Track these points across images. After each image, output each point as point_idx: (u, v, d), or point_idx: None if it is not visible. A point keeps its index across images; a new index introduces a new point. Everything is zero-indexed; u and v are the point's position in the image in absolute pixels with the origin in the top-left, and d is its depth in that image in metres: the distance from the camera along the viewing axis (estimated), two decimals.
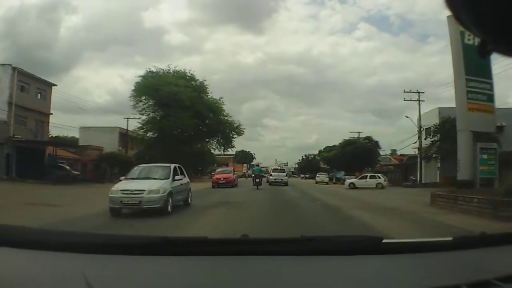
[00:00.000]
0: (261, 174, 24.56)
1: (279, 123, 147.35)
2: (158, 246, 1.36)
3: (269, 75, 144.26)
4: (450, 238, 1.59)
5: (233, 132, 41.72)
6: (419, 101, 32.95)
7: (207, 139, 42.05)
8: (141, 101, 35.04)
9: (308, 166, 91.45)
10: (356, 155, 43.23)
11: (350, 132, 47.46)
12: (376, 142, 45.21)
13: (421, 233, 7.09)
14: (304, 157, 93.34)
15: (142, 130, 35.56)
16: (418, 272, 1.34)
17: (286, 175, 28.49)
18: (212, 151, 46.67)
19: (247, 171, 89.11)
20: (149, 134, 36.37)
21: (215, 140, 43.51)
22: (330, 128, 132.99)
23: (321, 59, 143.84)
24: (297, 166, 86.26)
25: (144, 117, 35.57)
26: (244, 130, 42.54)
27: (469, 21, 0.68)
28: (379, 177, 26.29)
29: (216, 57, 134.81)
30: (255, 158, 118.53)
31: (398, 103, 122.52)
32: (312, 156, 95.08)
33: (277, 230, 7.97)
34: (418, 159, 31.82)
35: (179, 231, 7.55)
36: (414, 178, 30.00)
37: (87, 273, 1.12)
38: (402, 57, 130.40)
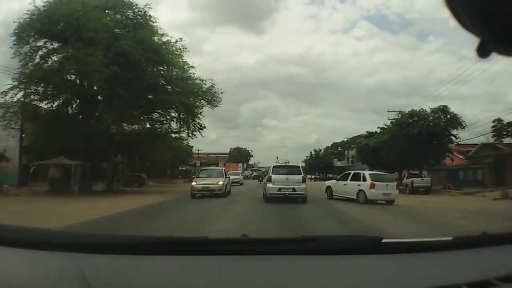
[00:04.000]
0: (261, 175, 38.58)
1: (279, 123, 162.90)
2: (158, 246, 1.39)
3: (269, 76, 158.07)
4: (450, 238, 1.61)
5: (201, 101, 24.82)
6: None
7: (146, 116, 25.54)
8: (28, 43, 20.70)
9: (318, 165, 78.76)
10: (418, 141, 27.23)
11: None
12: (455, 116, 28.84)
13: None
14: (313, 153, 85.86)
15: (20, 94, 20.86)
16: (418, 272, 1.36)
17: (304, 180, 16.12)
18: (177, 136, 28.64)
19: (243, 172, 76.78)
20: (38, 101, 22.27)
21: (167, 114, 25.52)
22: (331, 128, 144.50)
23: (321, 59, 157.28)
24: (304, 165, 64.08)
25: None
26: (221, 96, 25.51)
27: (468, 20, 0.74)
28: (364, 179, 16.45)
29: (216, 57, 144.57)
30: (252, 156, 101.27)
31: (398, 101, 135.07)
32: (321, 151, 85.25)
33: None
34: None
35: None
36: None
37: (87, 273, 1.16)
38: (402, 56, 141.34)
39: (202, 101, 24.27)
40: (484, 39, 0.77)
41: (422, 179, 26.95)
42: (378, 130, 33.86)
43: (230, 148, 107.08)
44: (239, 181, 36.99)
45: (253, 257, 1.34)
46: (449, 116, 28.17)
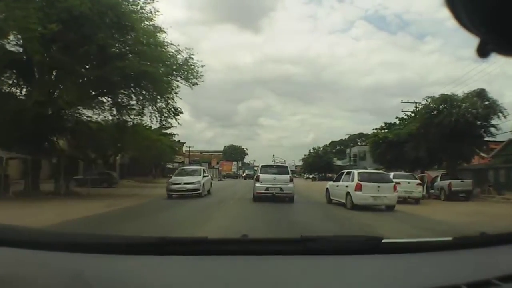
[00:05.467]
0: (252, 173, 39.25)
1: (276, 122, 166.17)
2: (158, 246, 1.38)
3: (266, 74, 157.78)
4: (450, 238, 1.62)
5: (177, 77, 19.07)
6: None
7: (109, 97, 19.66)
8: None
9: (317, 163, 73.60)
10: (453, 132, 21.76)
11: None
12: (494, 102, 23.17)
13: None
14: (311, 151, 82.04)
15: None
16: (418, 272, 1.36)
17: (291, 180, 16.59)
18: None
19: (237, 171, 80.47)
20: None
21: (131, 94, 19.48)
22: (327, 127, 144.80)
23: (318, 58, 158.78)
24: (302, 163, 58.39)
25: None
26: (201, 70, 19.53)
27: (469, 20, 0.77)
28: (352, 178, 14.52)
29: (213, 56, 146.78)
30: (247, 154, 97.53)
31: (394, 101, 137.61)
32: (320, 148, 79.00)
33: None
34: None
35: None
36: None
37: (87, 273, 1.19)
38: (399, 56, 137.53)
39: (178, 77, 18.64)
40: (484, 39, 0.79)
41: (462, 181, 22.63)
42: (397, 121, 28.41)
43: (225, 146, 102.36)
44: (198, 190, 18.48)
45: (253, 257, 1.37)
46: (486, 102, 24.00)
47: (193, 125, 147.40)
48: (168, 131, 47.67)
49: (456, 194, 21.19)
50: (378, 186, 14.13)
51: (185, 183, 18.23)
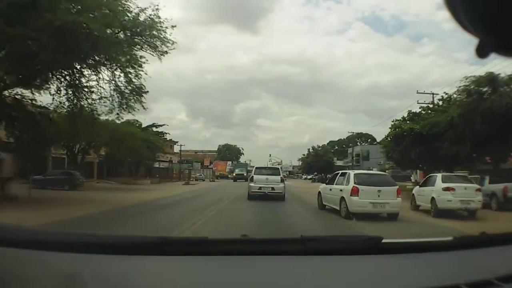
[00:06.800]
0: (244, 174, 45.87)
1: (272, 123, 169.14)
2: (158, 246, 1.40)
3: (263, 75, 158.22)
4: (450, 238, 1.65)
5: (142, 45, 13.73)
6: None
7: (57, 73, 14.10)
8: None
9: (317, 163, 67.78)
10: (504, 120, 16.26)
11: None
12: None
13: None
14: (311, 150, 76.66)
15: None
16: (418, 272, 1.37)
17: (282, 180, 18.68)
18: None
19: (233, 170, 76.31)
20: None
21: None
22: (323, 128, 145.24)
23: (315, 59, 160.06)
24: (300, 163, 52.38)
25: None
26: (170, 33, 14.47)
27: (468, 20, 0.78)
28: (348, 181, 12.32)
29: (210, 56, 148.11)
30: (243, 154, 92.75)
31: (390, 103, 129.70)
32: (320, 147, 72.29)
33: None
34: None
35: None
36: None
37: (87, 273, 1.20)
38: (395, 58, 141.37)
39: (145, 45, 13.60)
40: (483, 40, 0.80)
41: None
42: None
43: (219, 145, 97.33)
44: None
45: (253, 257, 1.39)
46: None
47: (190, 126, 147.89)
48: (160, 129, 43.02)
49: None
50: (379, 191, 12.15)
51: None
